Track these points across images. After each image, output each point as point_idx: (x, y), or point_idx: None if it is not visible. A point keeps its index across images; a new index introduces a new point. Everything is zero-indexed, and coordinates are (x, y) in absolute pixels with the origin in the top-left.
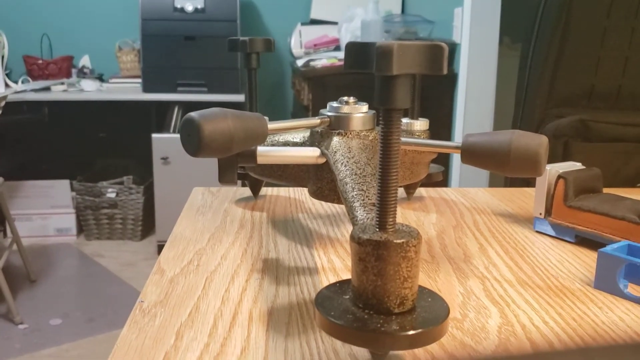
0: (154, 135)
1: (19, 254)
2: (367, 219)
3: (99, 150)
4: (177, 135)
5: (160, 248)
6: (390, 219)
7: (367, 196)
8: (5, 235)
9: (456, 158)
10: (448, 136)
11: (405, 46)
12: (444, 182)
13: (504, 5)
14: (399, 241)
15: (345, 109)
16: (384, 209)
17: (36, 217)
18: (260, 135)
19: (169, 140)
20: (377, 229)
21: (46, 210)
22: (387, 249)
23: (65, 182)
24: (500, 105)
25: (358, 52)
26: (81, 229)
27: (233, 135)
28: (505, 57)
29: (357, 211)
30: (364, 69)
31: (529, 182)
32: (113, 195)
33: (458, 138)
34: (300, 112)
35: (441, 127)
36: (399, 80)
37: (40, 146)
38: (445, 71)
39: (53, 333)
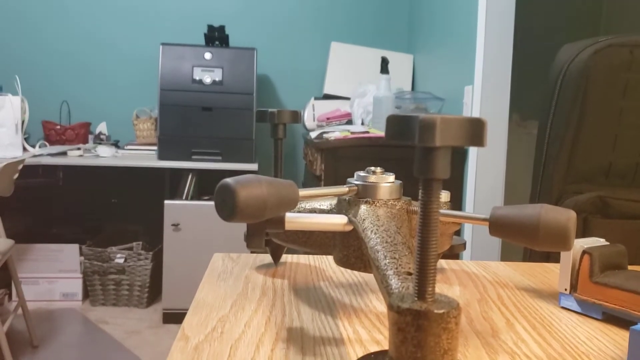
0: (166, 202)
1: (23, 318)
2: (402, 288)
3: (110, 215)
4: (189, 202)
5: (165, 316)
6: (430, 289)
7: (399, 264)
8: (10, 298)
9: (467, 231)
10: (459, 210)
11: (448, 119)
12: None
13: (513, 83)
14: (440, 311)
15: (373, 178)
16: (423, 278)
17: (43, 281)
18: (292, 202)
19: (181, 207)
20: (416, 299)
21: (54, 274)
22: (427, 319)
23: (75, 247)
24: (510, 181)
25: (400, 123)
26: (87, 294)
27: (266, 201)
28: (515, 134)
29: (391, 280)
30: (405, 140)
31: (548, 257)
32: (121, 260)
33: (470, 212)
34: (311, 181)
35: (452, 201)
36: (440, 151)
37: (53, 209)
38: (486, 144)
39: None
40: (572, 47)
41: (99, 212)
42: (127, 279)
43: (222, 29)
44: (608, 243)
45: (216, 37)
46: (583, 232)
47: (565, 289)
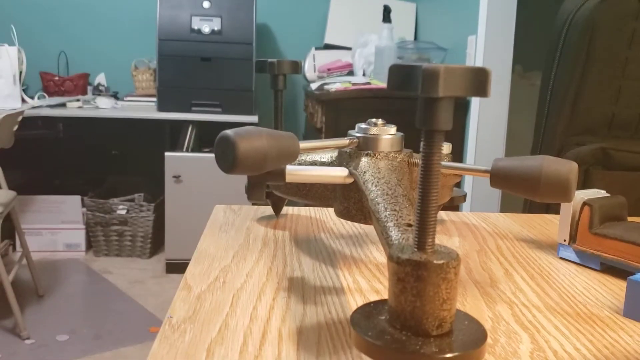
0: (166, 154)
1: (27, 269)
2: (402, 239)
3: (111, 167)
4: (190, 154)
5: (168, 266)
6: (430, 240)
7: (400, 216)
8: (14, 249)
9: (467, 183)
10: (460, 162)
11: (451, 69)
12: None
13: (517, 34)
14: (439, 262)
15: (374, 131)
16: (423, 229)
17: (46, 232)
18: (292, 154)
19: (181, 159)
20: (416, 249)
21: (56, 225)
22: (427, 269)
23: (77, 198)
24: (512, 132)
25: (402, 74)
26: (90, 245)
27: (267, 153)
28: (517, 85)
29: (391, 231)
30: (407, 91)
31: (548, 209)
32: (123, 212)
33: (471, 163)
34: (312, 134)
35: (453, 153)
36: (443, 102)
37: (54, 162)
38: (489, 95)
39: (59, 349)
40: None
41: (100, 164)
42: (130, 230)
43: None
44: (609, 195)
45: None
46: (584, 184)
47: (564, 240)
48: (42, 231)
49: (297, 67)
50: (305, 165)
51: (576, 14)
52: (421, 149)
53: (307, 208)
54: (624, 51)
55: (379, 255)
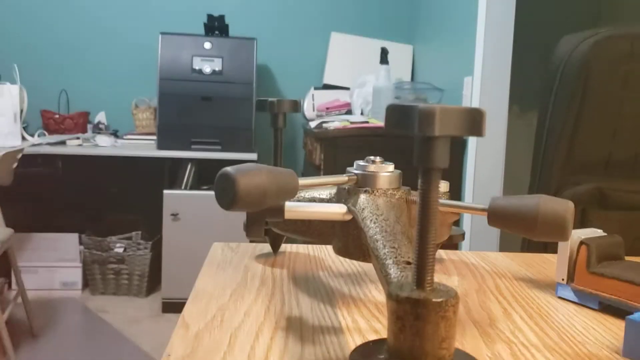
0: (165, 192)
1: (23, 307)
2: (401, 277)
3: (110, 205)
4: (189, 192)
5: (165, 305)
6: (429, 278)
7: (399, 254)
8: (10, 287)
9: (465, 221)
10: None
11: (447, 109)
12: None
13: (513, 75)
14: (438, 300)
15: (372, 168)
16: (422, 266)
17: (43, 270)
18: (292, 191)
19: (180, 197)
20: (415, 287)
21: (53, 263)
22: (426, 307)
23: (74, 236)
24: (509, 172)
25: (399, 113)
26: (87, 283)
27: (266, 189)
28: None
29: (390, 269)
30: (404, 130)
31: (546, 248)
32: (121, 250)
33: (469, 202)
34: (310, 171)
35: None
36: (439, 141)
37: (52, 199)
38: (484, 134)
39: None
40: (572, 39)
41: (99, 202)
42: (127, 269)
43: (222, 18)
44: (605, 234)
45: (216, 26)
46: (581, 224)
47: (563, 279)
48: (39, 269)
49: (296, 106)
50: (304, 201)
51: (571, 56)
52: (419, 187)
53: (306, 246)
54: (619, 92)
55: (378, 294)
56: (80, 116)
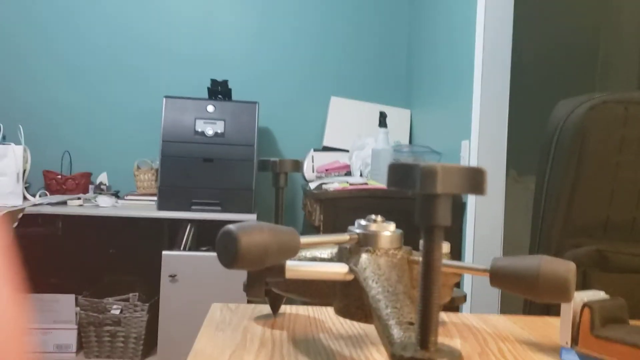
0: (164, 252)
1: None
2: (405, 337)
3: (108, 265)
4: (187, 253)
5: None
6: (433, 338)
7: (401, 314)
8: None
9: (466, 283)
10: None
11: (448, 168)
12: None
13: (510, 139)
14: None
15: (374, 227)
16: (426, 327)
17: (37, 332)
18: (293, 249)
19: (178, 258)
20: (419, 348)
21: (48, 325)
22: None
23: (71, 297)
24: (508, 235)
25: (401, 172)
26: (81, 345)
27: (268, 247)
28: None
29: (393, 329)
30: (406, 188)
31: (549, 309)
32: (117, 311)
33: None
34: (310, 232)
35: (451, 253)
36: (441, 199)
37: (51, 259)
38: (486, 193)
39: None
40: (568, 104)
41: (97, 262)
42: (123, 331)
43: (225, 83)
44: (608, 296)
45: (219, 90)
46: (582, 286)
47: (567, 343)
48: (33, 331)
49: (298, 165)
50: (305, 261)
51: (567, 121)
52: (422, 245)
53: (306, 307)
54: (615, 156)
55: (380, 357)
56: (82, 177)
